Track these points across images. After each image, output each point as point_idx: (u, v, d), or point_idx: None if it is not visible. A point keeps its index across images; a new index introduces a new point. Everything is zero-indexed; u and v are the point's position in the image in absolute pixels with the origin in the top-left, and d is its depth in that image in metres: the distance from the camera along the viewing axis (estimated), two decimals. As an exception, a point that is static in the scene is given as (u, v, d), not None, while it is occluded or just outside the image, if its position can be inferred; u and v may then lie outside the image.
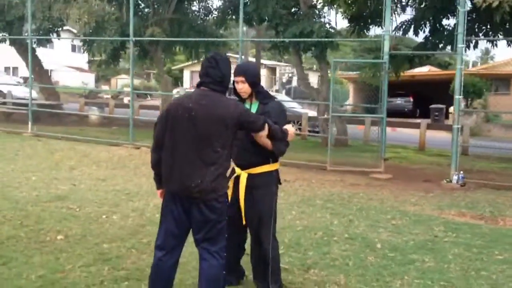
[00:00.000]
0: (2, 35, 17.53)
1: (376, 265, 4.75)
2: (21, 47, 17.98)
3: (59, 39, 17.62)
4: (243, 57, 12.25)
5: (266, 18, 13.30)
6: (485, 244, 5.58)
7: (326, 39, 12.03)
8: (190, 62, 38.07)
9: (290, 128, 3.82)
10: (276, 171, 3.98)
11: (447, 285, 4.34)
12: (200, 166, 3.27)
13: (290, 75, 40.44)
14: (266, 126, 3.56)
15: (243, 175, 3.80)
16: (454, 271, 4.68)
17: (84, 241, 5.04)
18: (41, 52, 18.62)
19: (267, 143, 3.68)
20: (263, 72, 41.30)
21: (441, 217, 6.77)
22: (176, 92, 31.19)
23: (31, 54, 14.33)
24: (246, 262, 4.18)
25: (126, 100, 30.55)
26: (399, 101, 29.11)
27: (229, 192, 3.74)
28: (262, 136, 3.64)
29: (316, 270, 4.56)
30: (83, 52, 17.36)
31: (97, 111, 17.87)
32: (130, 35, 12.54)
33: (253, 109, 3.83)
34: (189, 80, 42.17)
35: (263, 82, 38.78)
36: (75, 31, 21.15)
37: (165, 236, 3.39)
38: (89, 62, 17.87)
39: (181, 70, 44.13)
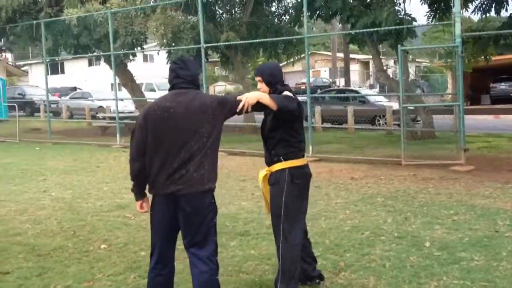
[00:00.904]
0: (89, 55, 18.60)
1: (415, 266, 4.40)
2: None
3: (139, 52, 18.32)
4: (309, 53, 11.97)
5: (336, 11, 12.91)
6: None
7: (395, 27, 11.42)
8: (282, 64, 38.38)
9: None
10: (291, 168, 3.82)
11: (487, 286, 3.94)
12: (185, 159, 3.22)
13: (385, 67, 39.16)
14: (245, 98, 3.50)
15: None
16: (503, 270, 4.23)
17: (125, 250, 5.16)
18: (143, 66, 19.49)
19: (270, 103, 3.57)
20: (355, 67, 40.44)
21: (512, 210, 6.16)
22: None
23: (114, 69, 15.07)
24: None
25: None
26: (503, 86, 27.07)
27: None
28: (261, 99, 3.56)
29: (347, 273, 4.32)
30: (166, 63, 17.94)
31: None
32: (201, 42, 12.78)
33: None
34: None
35: (355, 77, 37.95)
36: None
37: (160, 246, 3.36)
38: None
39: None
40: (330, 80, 35.14)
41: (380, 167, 9.81)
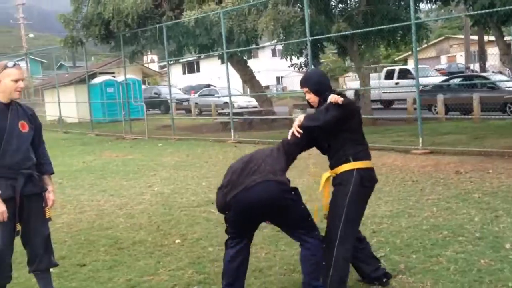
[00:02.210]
0: (205, 54, 19.32)
1: (483, 270, 4.02)
2: (233, 61, 19.56)
3: (254, 48, 18.70)
4: (414, 38, 11.29)
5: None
6: None
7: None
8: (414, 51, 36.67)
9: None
10: (360, 170, 3.70)
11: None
12: None
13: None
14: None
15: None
16: None
17: (196, 245, 5.32)
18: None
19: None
20: (495, 51, 37.27)
21: None
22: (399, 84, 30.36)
23: (227, 66, 15.51)
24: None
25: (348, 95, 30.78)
26: None
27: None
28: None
29: (405, 276, 4.06)
30: (281, 58, 18.09)
31: (300, 113, 18.39)
32: (307, 35, 12.69)
33: None
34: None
35: (495, 61, 34.98)
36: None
37: None
38: (291, 65, 18.41)
39: (405, 60, 42.60)
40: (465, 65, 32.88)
41: (494, 159, 9.01)
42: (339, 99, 3.59)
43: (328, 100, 3.66)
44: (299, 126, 3.69)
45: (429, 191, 6.96)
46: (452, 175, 7.91)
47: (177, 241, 5.49)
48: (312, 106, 3.92)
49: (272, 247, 4.98)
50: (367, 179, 3.71)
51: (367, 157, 3.77)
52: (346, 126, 3.71)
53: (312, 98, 3.84)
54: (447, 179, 7.65)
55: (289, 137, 3.78)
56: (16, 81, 3.81)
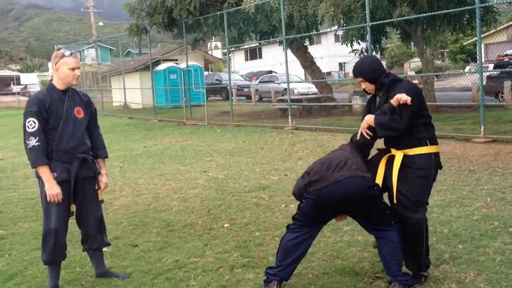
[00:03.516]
0: (265, 41, 19.34)
1: (530, 263, 3.89)
2: (294, 47, 19.51)
3: (315, 34, 18.52)
4: (478, 23, 10.85)
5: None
6: None
7: None
8: (484, 35, 35.22)
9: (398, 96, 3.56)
10: (436, 154, 3.76)
11: None
12: None
13: None
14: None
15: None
16: None
17: (243, 229, 5.44)
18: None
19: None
20: None
21: None
22: (468, 70, 29.32)
23: (286, 53, 15.49)
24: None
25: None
26: None
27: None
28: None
29: (449, 265, 4.01)
30: (341, 44, 17.84)
31: (360, 99, 18.15)
32: (367, 20, 12.49)
33: (377, 103, 3.91)
34: (484, 55, 38.70)
35: None
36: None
37: None
38: (352, 51, 18.12)
39: (474, 45, 40.95)
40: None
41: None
42: (408, 100, 3.49)
43: (394, 101, 3.54)
44: (369, 129, 3.72)
45: (485, 181, 6.76)
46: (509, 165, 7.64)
47: (226, 225, 5.64)
48: (368, 93, 3.92)
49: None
50: (440, 165, 3.78)
51: (437, 141, 3.77)
52: (420, 113, 3.67)
53: (368, 86, 3.81)
54: (505, 168, 7.39)
55: (358, 137, 3.82)
56: (73, 69, 4.03)
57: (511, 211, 5.28)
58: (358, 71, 3.82)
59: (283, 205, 6.31)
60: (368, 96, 4.08)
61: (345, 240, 4.83)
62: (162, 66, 26.46)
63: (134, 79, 26.71)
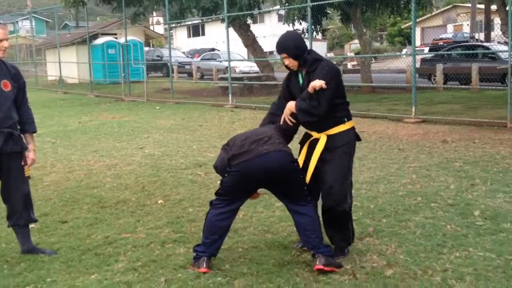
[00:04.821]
0: (207, 18, 19.13)
1: (448, 235, 4.16)
2: (236, 26, 19.37)
3: (257, 13, 18.50)
4: (413, 6, 11.17)
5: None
6: None
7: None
8: (420, 19, 36.32)
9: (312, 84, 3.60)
10: (353, 128, 3.89)
11: (513, 261, 3.58)
12: None
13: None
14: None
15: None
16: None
17: (177, 205, 5.44)
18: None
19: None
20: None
21: None
22: (404, 52, 30.08)
23: (227, 31, 15.39)
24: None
25: (349, 65, 30.57)
26: None
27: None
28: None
29: (372, 238, 4.19)
30: (283, 23, 17.91)
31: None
32: (308, 1, 12.61)
33: (300, 79, 3.86)
34: (420, 38, 39.88)
35: (499, 31, 34.55)
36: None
37: None
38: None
39: (411, 28, 42.06)
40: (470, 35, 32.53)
41: (483, 130, 9.09)
42: (322, 84, 3.55)
43: (310, 89, 3.59)
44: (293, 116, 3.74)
45: (413, 159, 7.05)
46: (438, 144, 7.99)
47: (159, 201, 5.62)
48: (290, 70, 3.88)
49: (250, 209, 5.10)
50: (358, 137, 3.91)
51: (351, 117, 3.88)
52: (337, 94, 3.75)
53: (292, 62, 3.77)
54: (432, 147, 7.73)
55: (281, 123, 3.83)
56: (0, 40, 3.87)
57: (434, 188, 5.54)
58: (282, 47, 3.77)
59: (219, 182, 6.31)
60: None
61: (276, 215, 4.93)
62: (100, 40, 25.74)
63: (70, 53, 25.85)
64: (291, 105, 3.73)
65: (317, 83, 3.57)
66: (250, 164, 3.53)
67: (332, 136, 3.75)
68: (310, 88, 3.61)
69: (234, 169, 3.58)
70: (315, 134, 3.83)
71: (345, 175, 3.77)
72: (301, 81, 3.85)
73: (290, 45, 3.75)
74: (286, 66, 3.87)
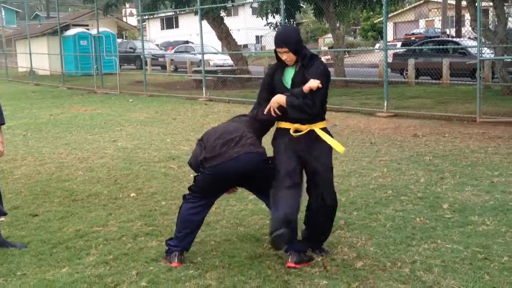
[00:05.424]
0: (180, 10, 19.01)
1: (417, 227, 4.24)
2: (210, 18, 19.27)
3: (231, 6, 18.43)
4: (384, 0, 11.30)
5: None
6: None
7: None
8: (393, 14, 36.76)
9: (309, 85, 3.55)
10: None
11: (481, 251, 3.71)
12: None
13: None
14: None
15: None
16: (509, 237, 3.98)
17: (150, 199, 5.43)
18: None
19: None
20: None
21: None
22: (377, 47, 30.36)
23: (200, 23, 15.30)
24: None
25: (323, 59, 30.73)
26: None
27: None
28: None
29: (343, 231, 4.25)
30: (257, 16, 17.92)
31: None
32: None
33: (290, 73, 3.71)
34: (392, 33, 40.27)
35: (469, 27, 35.13)
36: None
37: None
38: (267, 24, 18.26)
39: (385, 23, 42.44)
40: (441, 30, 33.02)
41: (453, 124, 9.26)
42: (319, 84, 3.50)
43: (306, 89, 3.52)
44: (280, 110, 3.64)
45: (384, 152, 7.15)
46: (409, 138, 8.12)
47: (132, 194, 5.60)
48: (286, 65, 3.71)
49: (223, 202, 5.11)
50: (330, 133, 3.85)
51: None
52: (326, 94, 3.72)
53: (291, 57, 3.62)
54: (403, 141, 7.85)
55: (264, 113, 3.71)
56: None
57: (404, 181, 5.64)
58: (285, 40, 3.58)
59: (192, 175, 6.31)
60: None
61: (249, 208, 4.96)
62: (72, 31, 25.34)
63: (41, 44, 25.40)
64: (280, 99, 3.60)
65: (314, 84, 3.51)
66: (221, 168, 3.54)
67: (314, 131, 3.68)
68: (305, 88, 3.53)
69: (206, 172, 3.60)
70: (300, 127, 3.65)
71: (332, 169, 3.76)
72: (291, 75, 3.70)
73: (292, 39, 3.60)
74: (279, 60, 3.71)
